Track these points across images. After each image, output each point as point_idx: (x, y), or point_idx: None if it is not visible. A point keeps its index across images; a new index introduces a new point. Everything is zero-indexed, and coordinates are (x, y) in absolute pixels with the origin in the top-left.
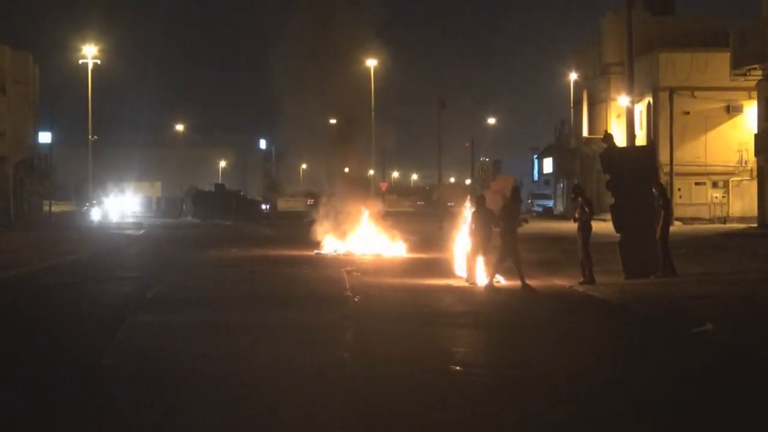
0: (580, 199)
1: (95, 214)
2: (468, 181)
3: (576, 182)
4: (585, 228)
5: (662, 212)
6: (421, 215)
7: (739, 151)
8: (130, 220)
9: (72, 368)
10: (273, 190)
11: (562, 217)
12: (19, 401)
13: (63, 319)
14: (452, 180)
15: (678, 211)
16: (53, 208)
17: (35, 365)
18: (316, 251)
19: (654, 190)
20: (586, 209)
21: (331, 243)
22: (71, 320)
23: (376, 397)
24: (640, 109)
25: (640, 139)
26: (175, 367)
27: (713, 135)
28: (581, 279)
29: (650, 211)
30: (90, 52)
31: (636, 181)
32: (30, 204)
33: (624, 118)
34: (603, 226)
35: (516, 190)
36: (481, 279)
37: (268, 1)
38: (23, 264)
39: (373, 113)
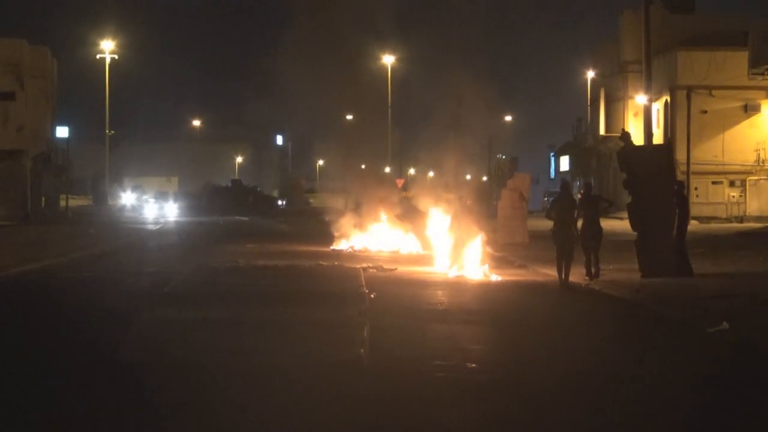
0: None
1: (149, 211)
2: (484, 179)
3: (588, 181)
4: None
5: (677, 211)
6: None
7: (757, 150)
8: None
9: (90, 359)
10: (297, 188)
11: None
12: (36, 393)
13: (81, 313)
14: (468, 177)
15: (694, 210)
16: (70, 203)
17: (53, 358)
18: (331, 247)
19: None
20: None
21: (347, 239)
22: (89, 313)
23: (391, 394)
24: (658, 108)
25: (657, 138)
26: (190, 361)
27: (730, 134)
28: (586, 275)
29: (667, 210)
30: (107, 47)
31: (653, 180)
32: (47, 198)
33: (641, 116)
34: (620, 225)
35: (588, 187)
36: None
37: None
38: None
39: (389, 110)
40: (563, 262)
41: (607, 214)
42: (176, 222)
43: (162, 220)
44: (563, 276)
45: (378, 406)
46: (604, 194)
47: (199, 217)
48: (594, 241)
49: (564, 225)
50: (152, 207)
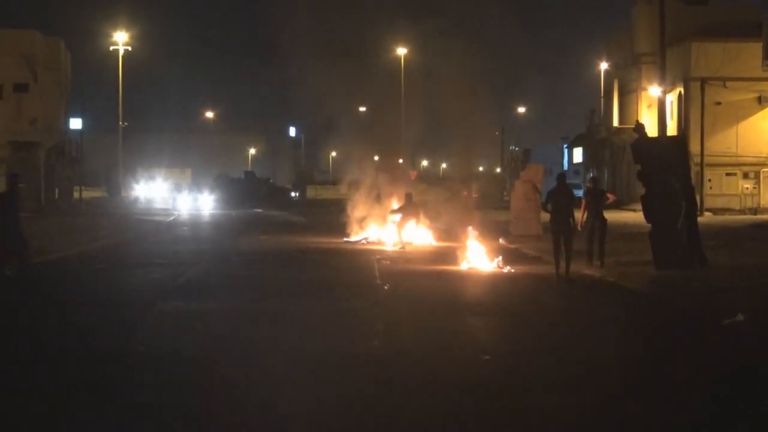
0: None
1: (182, 204)
2: (498, 170)
3: (592, 175)
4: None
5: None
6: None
7: None
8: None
9: (103, 352)
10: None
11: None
12: (50, 385)
13: (95, 304)
14: (481, 169)
15: (708, 202)
16: (83, 194)
17: (67, 350)
18: (345, 239)
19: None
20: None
21: (360, 230)
22: (102, 305)
23: (406, 386)
24: (672, 99)
25: (671, 130)
26: (204, 353)
27: (744, 126)
28: (590, 263)
29: (681, 202)
30: (121, 39)
31: (667, 172)
32: (60, 190)
33: (655, 108)
34: (633, 217)
35: (594, 181)
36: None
37: None
38: None
39: (402, 101)
40: (563, 254)
41: (617, 207)
42: (188, 214)
43: (175, 212)
44: (566, 268)
45: (392, 398)
46: (617, 186)
47: (212, 210)
48: (600, 233)
49: (561, 217)
50: (185, 198)
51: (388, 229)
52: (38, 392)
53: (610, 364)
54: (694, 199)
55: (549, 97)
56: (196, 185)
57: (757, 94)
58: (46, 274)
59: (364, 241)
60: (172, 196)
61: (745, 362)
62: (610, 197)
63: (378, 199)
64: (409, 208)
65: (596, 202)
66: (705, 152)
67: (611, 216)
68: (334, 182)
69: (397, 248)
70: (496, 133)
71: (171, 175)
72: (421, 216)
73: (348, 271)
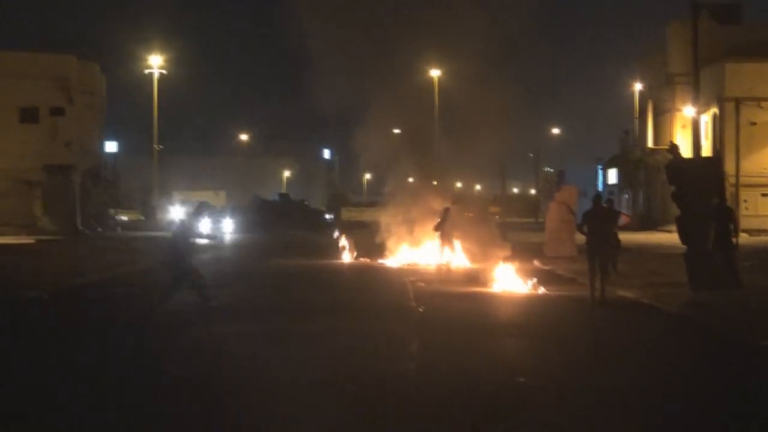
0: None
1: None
2: (532, 191)
3: (609, 197)
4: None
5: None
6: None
7: None
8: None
9: (137, 375)
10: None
11: (625, 227)
12: (84, 406)
13: (129, 327)
14: (515, 190)
15: (744, 223)
16: (119, 217)
17: (101, 372)
18: (379, 260)
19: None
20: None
21: (394, 252)
22: (139, 328)
23: (441, 410)
24: (706, 120)
25: (706, 150)
26: (239, 376)
27: None
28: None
29: (716, 223)
30: (156, 62)
31: (702, 193)
32: (96, 213)
33: (689, 128)
34: (668, 237)
35: (609, 201)
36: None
37: (333, 13)
38: None
39: (437, 123)
40: (596, 276)
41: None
42: (222, 236)
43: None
44: (601, 290)
45: (427, 421)
46: (653, 207)
47: (247, 231)
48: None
49: (597, 238)
50: (220, 221)
51: (424, 250)
52: (68, 416)
53: (646, 389)
54: (731, 219)
55: (583, 118)
56: (230, 207)
57: None
58: (82, 296)
59: (398, 264)
60: (208, 219)
61: None
62: (625, 219)
63: (406, 221)
64: (446, 223)
65: (611, 222)
66: (740, 173)
67: (645, 237)
68: (369, 204)
69: (443, 268)
70: (530, 154)
71: (206, 198)
72: (454, 231)
73: (382, 294)
